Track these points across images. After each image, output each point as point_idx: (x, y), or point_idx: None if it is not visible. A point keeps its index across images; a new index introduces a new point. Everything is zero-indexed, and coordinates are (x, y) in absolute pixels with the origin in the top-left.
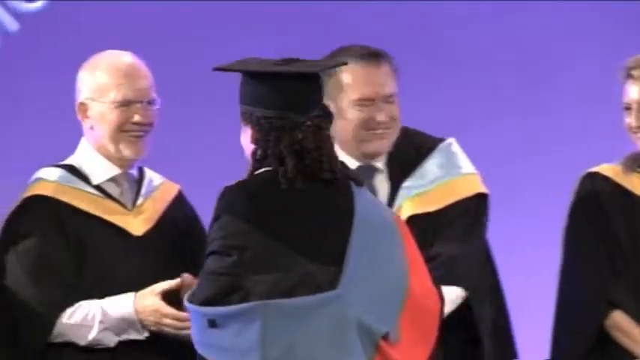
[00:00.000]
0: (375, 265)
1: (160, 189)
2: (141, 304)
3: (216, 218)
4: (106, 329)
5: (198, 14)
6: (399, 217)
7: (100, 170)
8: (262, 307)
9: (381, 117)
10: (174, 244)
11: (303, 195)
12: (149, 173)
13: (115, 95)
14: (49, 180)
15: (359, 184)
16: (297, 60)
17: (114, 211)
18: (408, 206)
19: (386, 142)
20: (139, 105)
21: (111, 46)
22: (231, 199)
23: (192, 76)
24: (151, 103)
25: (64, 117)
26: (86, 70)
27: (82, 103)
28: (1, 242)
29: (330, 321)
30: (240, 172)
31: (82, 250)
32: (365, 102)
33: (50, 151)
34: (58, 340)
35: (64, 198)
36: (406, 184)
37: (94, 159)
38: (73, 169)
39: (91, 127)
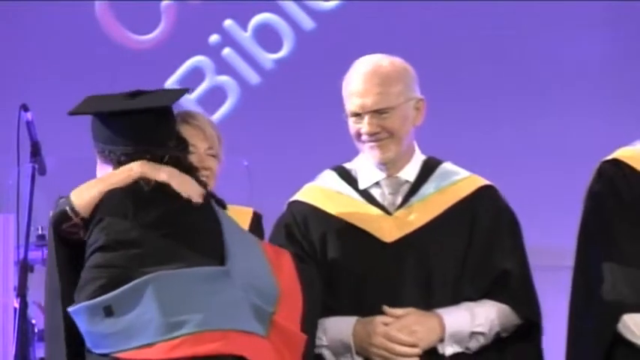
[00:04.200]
0: (249, 260)
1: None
2: (360, 329)
3: (98, 221)
4: (324, 346)
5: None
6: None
7: (366, 174)
8: (154, 279)
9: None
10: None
11: (173, 198)
12: (444, 170)
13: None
14: (315, 184)
15: (223, 206)
16: (144, 93)
17: (370, 218)
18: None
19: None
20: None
21: (396, 46)
22: (106, 201)
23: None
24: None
25: None
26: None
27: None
28: None
29: (222, 295)
30: None
31: (328, 257)
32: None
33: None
34: None
35: (318, 203)
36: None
37: (364, 163)
38: (345, 172)
39: None
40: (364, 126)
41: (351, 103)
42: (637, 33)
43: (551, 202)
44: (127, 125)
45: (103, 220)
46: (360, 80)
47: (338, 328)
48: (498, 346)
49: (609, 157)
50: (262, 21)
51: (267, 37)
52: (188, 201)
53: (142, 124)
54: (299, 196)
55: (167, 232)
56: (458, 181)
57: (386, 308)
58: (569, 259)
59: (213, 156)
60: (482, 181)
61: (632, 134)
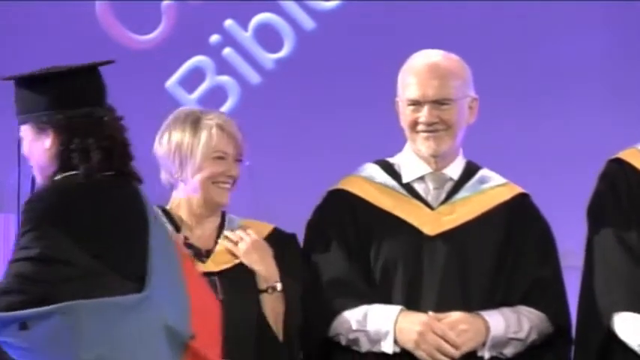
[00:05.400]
0: (169, 272)
1: (488, 191)
2: (405, 318)
3: (35, 226)
4: (362, 331)
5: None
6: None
7: (410, 169)
8: (74, 307)
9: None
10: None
11: (111, 200)
12: (483, 174)
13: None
14: (358, 175)
15: (140, 181)
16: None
17: (413, 210)
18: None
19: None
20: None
21: (396, 46)
22: (49, 206)
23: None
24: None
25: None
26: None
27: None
28: (306, 230)
29: (140, 324)
30: None
31: (370, 245)
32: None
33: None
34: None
35: (362, 193)
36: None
37: (408, 157)
38: (388, 166)
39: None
40: (423, 115)
41: (411, 92)
42: (637, 33)
43: (553, 202)
44: (74, 86)
45: (39, 227)
46: (423, 70)
47: (379, 315)
48: (528, 353)
49: (614, 157)
50: (263, 21)
51: (268, 37)
52: (123, 202)
53: (90, 83)
54: (342, 185)
55: (98, 252)
56: (496, 186)
57: (430, 314)
58: (571, 260)
59: (238, 161)
60: (519, 189)
61: (636, 134)
